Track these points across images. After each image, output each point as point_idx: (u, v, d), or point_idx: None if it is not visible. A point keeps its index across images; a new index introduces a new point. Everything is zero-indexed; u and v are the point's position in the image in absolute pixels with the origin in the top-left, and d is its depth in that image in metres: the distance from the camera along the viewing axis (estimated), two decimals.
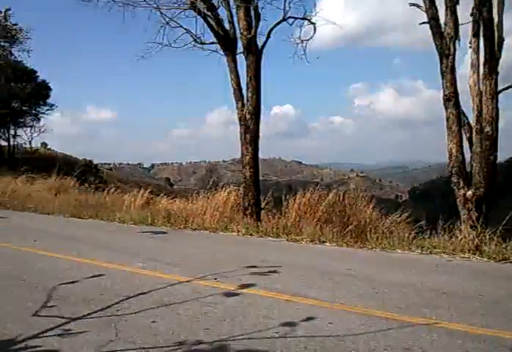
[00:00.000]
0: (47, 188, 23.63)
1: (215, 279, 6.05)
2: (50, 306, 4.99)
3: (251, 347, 3.86)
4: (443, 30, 9.37)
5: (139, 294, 5.40)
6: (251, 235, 9.94)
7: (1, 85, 28.52)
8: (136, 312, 4.77)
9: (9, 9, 26.92)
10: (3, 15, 26.52)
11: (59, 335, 4.18)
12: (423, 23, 9.73)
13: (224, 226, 10.74)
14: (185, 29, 12.40)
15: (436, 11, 9.55)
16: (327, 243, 8.92)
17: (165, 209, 13.27)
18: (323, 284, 5.98)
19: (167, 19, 12.30)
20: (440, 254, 7.77)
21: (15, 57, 32.52)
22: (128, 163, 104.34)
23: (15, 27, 27.69)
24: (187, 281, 5.96)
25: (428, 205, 58.45)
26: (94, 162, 48.23)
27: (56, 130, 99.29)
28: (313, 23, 12.97)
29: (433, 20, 9.54)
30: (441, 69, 9.45)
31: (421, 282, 6.01)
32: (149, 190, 16.27)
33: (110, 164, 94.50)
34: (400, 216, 9.92)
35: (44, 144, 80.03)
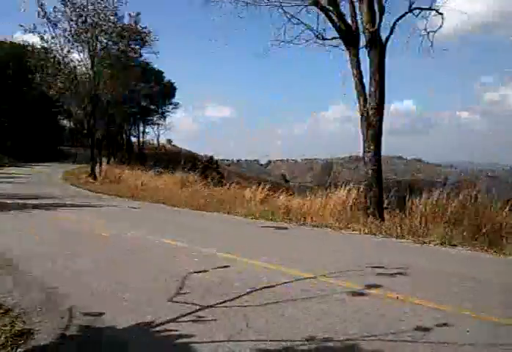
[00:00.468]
0: (173, 182, 25.14)
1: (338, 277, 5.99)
2: (184, 293, 5.27)
3: (383, 350, 3.75)
4: None
5: (266, 287, 5.51)
6: (374, 234, 9.68)
7: (133, 86, 30.69)
8: (264, 304, 4.87)
9: (139, 14, 28.91)
10: (134, 19, 28.53)
11: (193, 321, 4.41)
12: None
13: (345, 225, 10.59)
14: (307, 25, 12.42)
15: None
16: (458, 247, 8.39)
17: (284, 205, 13.41)
18: (452, 289, 5.63)
19: (289, 16, 12.41)
20: None
21: (144, 59, 34.93)
22: (246, 160, 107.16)
23: (144, 30, 29.68)
24: (312, 278, 5.96)
25: None
26: (215, 158, 50.16)
27: (179, 127, 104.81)
28: (441, 14, 12.33)
29: None
30: None
31: None
32: (267, 186, 16.57)
33: (229, 160, 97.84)
34: None
35: (169, 141, 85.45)
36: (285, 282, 5.73)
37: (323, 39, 12.59)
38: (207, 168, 42.08)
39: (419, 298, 5.11)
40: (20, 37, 47.71)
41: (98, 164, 31.44)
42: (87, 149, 42.56)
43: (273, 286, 5.58)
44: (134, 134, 70.74)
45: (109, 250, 7.96)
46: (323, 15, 12.07)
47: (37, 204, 15.30)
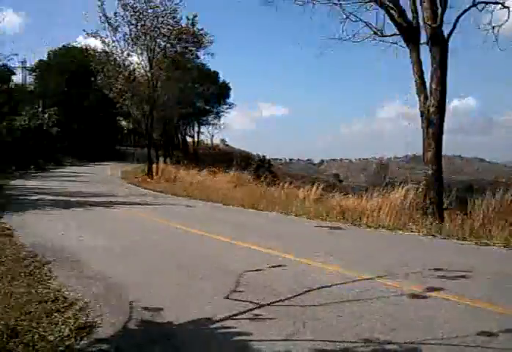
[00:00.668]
0: (227, 181, 25.41)
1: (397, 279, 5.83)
2: (240, 291, 5.29)
3: None
4: None
5: (322, 287, 5.45)
6: (433, 236, 9.37)
7: (189, 87, 31.25)
8: (320, 305, 4.81)
9: (196, 16, 29.38)
10: (191, 21, 29.02)
11: (250, 319, 4.42)
12: None
13: (403, 225, 10.31)
14: (365, 22, 12.23)
15: None
16: None
17: (338, 205, 13.24)
18: None
19: (347, 13, 12.26)
20: None
21: (201, 60, 35.48)
22: (298, 159, 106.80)
23: (200, 32, 30.13)
24: (369, 279, 5.84)
25: None
26: (267, 157, 50.34)
27: (233, 127, 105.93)
28: (507, 7, 11.81)
29: None
30: None
31: None
32: (321, 186, 16.43)
33: (281, 159, 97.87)
34: None
35: (223, 140, 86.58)
36: (342, 283, 5.64)
37: (383, 36, 12.35)
38: (260, 167, 42.24)
39: (483, 301, 4.90)
40: (82, 42, 49.73)
41: (155, 163, 32.20)
42: (144, 149, 43.78)
43: (330, 286, 5.50)
44: (189, 134, 72.19)
45: (167, 247, 8.13)
46: (383, 12, 11.84)
47: (97, 201, 15.86)
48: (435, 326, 4.22)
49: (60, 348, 3.71)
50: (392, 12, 11.66)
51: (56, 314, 4.46)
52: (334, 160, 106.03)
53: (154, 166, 31.43)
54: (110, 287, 5.49)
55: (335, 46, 12.78)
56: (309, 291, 5.29)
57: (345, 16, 12.39)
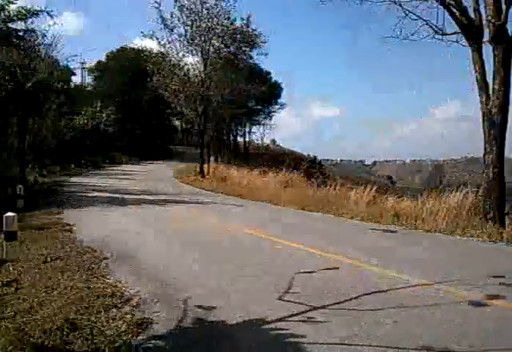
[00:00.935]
0: (277, 182, 25.35)
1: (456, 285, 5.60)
2: (293, 293, 5.24)
3: None
4: None
5: (377, 292, 5.32)
6: (493, 241, 8.97)
7: (241, 87, 31.37)
8: (376, 310, 4.69)
9: (250, 16, 29.49)
10: (245, 21, 29.17)
11: (303, 321, 4.36)
12: None
13: (461, 230, 9.92)
14: (425, 21, 11.85)
15: None
16: None
17: (393, 207, 12.93)
18: None
19: (406, 12, 11.93)
20: None
21: (253, 60, 35.59)
22: (350, 160, 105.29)
23: (254, 32, 30.22)
24: (426, 285, 5.64)
25: None
26: (318, 158, 49.89)
27: (284, 127, 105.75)
28: None
29: None
30: None
31: None
32: (374, 187, 16.09)
33: (332, 160, 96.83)
34: None
35: (273, 141, 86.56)
36: (399, 288, 5.48)
37: (443, 34, 11.92)
38: (311, 168, 41.89)
39: None
40: (138, 43, 51.04)
41: (206, 163, 32.59)
42: (196, 148, 44.43)
43: (386, 291, 5.36)
44: (240, 134, 72.61)
45: (219, 246, 8.17)
46: (443, 9, 11.44)
47: (151, 199, 16.22)
48: (495, 336, 4.04)
49: (118, 343, 3.78)
50: (453, 9, 11.26)
51: (113, 309, 4.58)
52: (387, 161, 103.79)
53: (205, 165, 31.80)
54: (165, 284, 5.57)
55: (391, 45, 12.42)
56: (364, 295, 5.17)
57: (404, 14, 12.04)
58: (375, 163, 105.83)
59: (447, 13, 11.59)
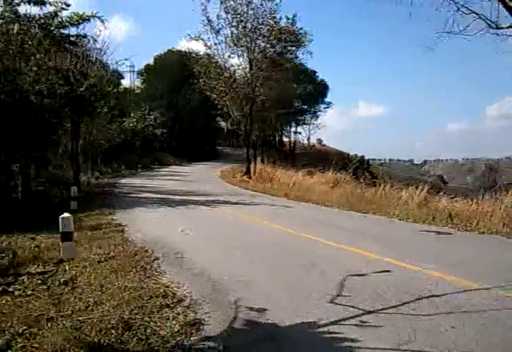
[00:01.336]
0: (324, 182, 25.16)
1: None
2: (344, 296, 5.16)
3: None
4: None
5: (431, 296, 5.16)
6: None
7: (287, 86, 31.31)
8: (431, 315, 4.55)
9: (296, 16, 29.35)
10: (290, 21, 29.03)
11: (356, 325, 4.28)
12: None
13: None
14: (478, 14, 11.43)
15: None
16: None
17: (446, 208, 12.53)
18: None
19: (459, 6, 11.56)
20: None
21: (299, 59, 35.36)
22: (399, 160, 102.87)
23: (300, 31, 30.06)
24: (483, 289, 5.43)
25: None
26: (366, 157, 49.06)
27: (330, 126, 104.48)
28: None
29: None
30: None
31: None
32: (426, 188, 15.65)
33: (381, 160, 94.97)
34: None
35: (319, 140, 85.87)
36: (455, 292, 5.30)
37: (498, 28, 11.47)
38: (359, 168, 41.27)
39: None
40: (184, 45, 51.84)
41: (252, 164, 32.67)
42: (241, 149, 44.67)
43: (440, 295, 5.19)
44: (286, 134, 72.49)
45: (269, 248, 8.15)
46: (497, 3, 11.01)
47: (199, 200, 16.41)
48: None
49: (171, 344, 3.82)
50: (509, 3, 10.81)
51: (166, 309, 4.64)
52: (437, 160, 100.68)
53: (251, 166, 31.89)
54: (215, 285, 5.60)
55: (441, 41, 12.00)
56: (418, 299, 5.03)
57: (456, 8, 11.66)
58: (425, 162, 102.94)
59: (501, 6, 11.15)
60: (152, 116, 45.42)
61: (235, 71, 30.13)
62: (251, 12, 27.79)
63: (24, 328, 4.03)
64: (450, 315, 4.56)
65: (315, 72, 63.33)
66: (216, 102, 30.89)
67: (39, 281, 5.51)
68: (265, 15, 27.84)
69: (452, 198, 14.00)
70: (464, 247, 8.57)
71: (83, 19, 13.15)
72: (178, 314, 4.52)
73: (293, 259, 7.12)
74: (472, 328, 4.22)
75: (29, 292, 5.07)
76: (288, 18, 29.14)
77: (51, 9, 12.46)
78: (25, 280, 5.57)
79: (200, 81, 30.08)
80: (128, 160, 39.46)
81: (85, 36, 15.08)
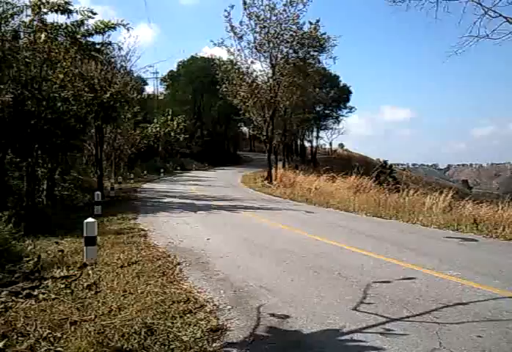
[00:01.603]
0: (346, 187, 24.92)
1: None
2: (368, 303, 5.09)
3: None
4: None
5: (458, 304, 5.06)
6: None
7: (310, 92, 31.20)
8: (457, 323, 4.46)
9: (319, 21, 29.18)
10: (313, 26, 28.87)
11: (380, 333, 4.21)
12: None
13: None
14: (505, 18, 11.22)
15: None
16: None
17: (471, 214, 12.29)
18: None
19: (485, 9, 11.37)
20: None
21: (322, 64, 35.19)
22: (422, 164, 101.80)
23: (323, 36, 29.86)
24: (510, 297, 5.29)
25: None
26: (389, 162, 48.56)
27: (352, 131, 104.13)
28: None
29: None
30: None
31: None
32: (450, 193, 15.40)
33: (403, 164, 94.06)
34: None
35: (341, 145, 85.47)
36: (481, 300, 5.19)
37: None
38: (382, 173, 40.86)
39: None
40: (207, 52, 52.17)
41: (274, 169, 32.64)
42: (263, 154, 44.66)
43: (467, 303, 5.09)
44: (308, 139, 72.29)
45: (291, 254, 8.07)
46: None
47: (221, 205, 16.46)
48: None
49: (193, 349, 3.81)
50: None
51: (188, 315, 4.64)
52: (462, 165, 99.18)
53: (273, 171, 31.87)
54: (237, 291, 5.59)
55: (468, 45, 11.80)
56: (444, 307, 4.94)
57: (483, 12, 11.47)
58: (449, 167, 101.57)
59: None
60: (175, 122, 45.79)
61: (257, 77, 30.21)
62: (274, 17, 27.82)
63: (48, 331, 4.05)
64: (477, 323, 4.46)
65: (338, 77, 63.13)
66: (238, 107, 31.00)
67: (62, 286, 5.56)
68: (288, 21, 27.84)
69: (478, 203, 13.73)
70: (490, 254, 8.38)
71: (108, 27, 13.29)
72: (200, 319, 4.51)
73: (316, 266, 7.05)
74: (500, 336, 4.13)
75: (53, 296, 5.11)
76: (311, 23, 29.03)
77: (78, 17, 12.65)
78: (49, 284, 5.62)
79: (223, 86, 30.22)
80: (151, 166, 39.87)
81: (110, 43, 15.28)
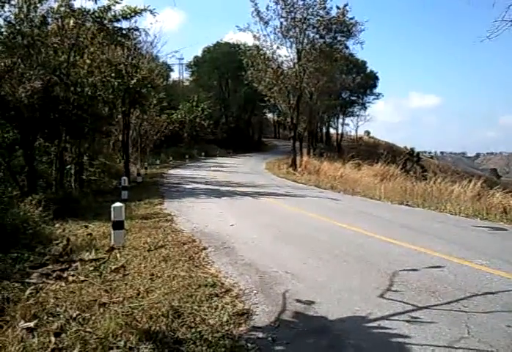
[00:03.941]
0: (372, 174, 24.73)
1: None
2: (395, 291, 5.05)
3: None
4: None
5: (486, 293, 4.98)
6: None
7: (336, 78, 30.80)
8: (486, 312, 4.40)
9: (347, 5, 28.66)
10: (341, 11, 28.40)
11: (407, 321, 4.18)
12: None
13: None
14: None
15: None
16: None
17: (500, 203, 12.05)
18: None
19: None
20: None
21: (349, 50, 34.67)
22: (450, 152, 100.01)
23: (350, 21, 29.35)
24: None
25: None
26: (416, 150, 47.83)
27: (379, 118, 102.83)
28: None
29: None
30: None
31: None
32: (480, 182, 15.12)
33: (431, 152, 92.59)
34: None
35: (367, 132, 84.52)
36: (510, 290, 5.10)
37: None
38: (408, 161, 40.34)
39: None
40: (232, 38, 51.99)
41: (299, 156, 32.51)
42: (287, 140, 44.49)
43: (496, 293, 5.00)
44: (333, 126, 71.73)
45: (317, 241, 8.06)
46: None
47: (245, 191, 16.50)
48: None
49: (220, 333, 3.84)
50: None
51: (215, 298, 4.68)
52: (491, 153, 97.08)
53: (298, 158, 31.74)
54: (263, 276, 5.60)
55: (501, 29, 11.37)
56: (473, 296, 4.87)
57: None
58: (478, 155, 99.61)
59: None
60: (200, 108, 45.93)
61: (282, 62, 29.98)
62: (301, 2, 27.56)
63: (77, 313, 4.14)
64: (506, 313, 4.39)
65: (365, 62, 62.24)
66: (264, 93, 30.86)
67: (91, 268, 5.67)
68: (316, 5, 27.48)
69: (507, 192, 13.44)
70: None
71: (135, 12, 13.35)
72: (227, 303, 4.54)
73: (342, 253, 7.01)
74: None
75: (82, 279, 5.21)
76: (339, 8, 28.57)
77: (105, 2, 12.73)
78: (78, 267, 5.74)
79: (248, 72, 30.12)
80: (176, 151, 40.15)
81: (137, 29, 15.32)
